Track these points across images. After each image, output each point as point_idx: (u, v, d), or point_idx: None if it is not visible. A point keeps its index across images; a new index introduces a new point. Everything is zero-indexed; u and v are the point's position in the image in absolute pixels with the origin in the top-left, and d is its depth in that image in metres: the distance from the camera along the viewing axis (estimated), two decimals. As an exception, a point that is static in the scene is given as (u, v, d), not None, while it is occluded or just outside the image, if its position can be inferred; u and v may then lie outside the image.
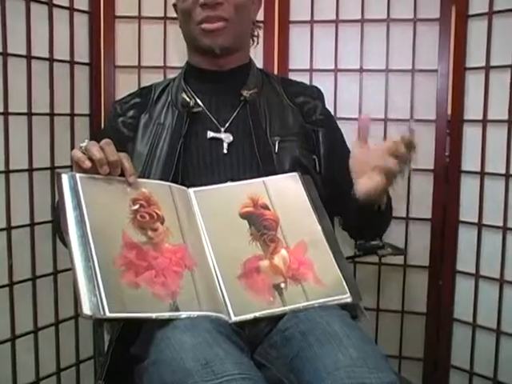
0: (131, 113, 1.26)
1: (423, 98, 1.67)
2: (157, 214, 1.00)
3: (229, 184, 1.13)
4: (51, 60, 1.61)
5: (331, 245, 1.04)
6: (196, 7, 1.16)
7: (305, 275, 0.99)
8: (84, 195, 0.95)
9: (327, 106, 1.32)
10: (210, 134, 1.21)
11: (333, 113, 1.39)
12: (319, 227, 1.06)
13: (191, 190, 1.08)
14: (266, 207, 1.07)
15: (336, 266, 1.01)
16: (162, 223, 0.99)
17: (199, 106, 1.23)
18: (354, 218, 1.14)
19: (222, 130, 1.21)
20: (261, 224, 1.04)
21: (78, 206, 0.93)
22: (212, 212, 1.06)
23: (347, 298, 0.98)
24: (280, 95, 1.27)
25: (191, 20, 1.17)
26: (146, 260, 0.93)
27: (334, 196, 1.17)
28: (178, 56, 1.70)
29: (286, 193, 1.10)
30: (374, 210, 1.10)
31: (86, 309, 0.82)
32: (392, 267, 1.74)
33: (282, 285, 0.97)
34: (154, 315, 0.87)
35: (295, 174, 1.12)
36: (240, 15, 1.19)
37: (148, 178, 1.14)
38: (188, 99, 1.21)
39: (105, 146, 0.99)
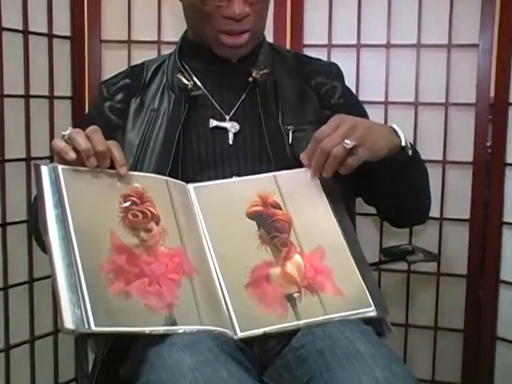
0: (120, 96, 1.27)
1: (461, 77, 1.67)
2: (151, 212, 1.01)
3: (234, 179, 1.14)
4: (25, 32, 1.61)
5: (353, 250, 1.05)
6: (218, 15, 1.15)
7: (322, 285, 0.99)
8: (67, 190, 0.96)
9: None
10: (213, 123, 1.21)
11: (354, 95, 1.39)
12: (339, 229, 1.07)
13: (191, 186, 1.09)
14: (277, 206, 1.08)
15: (358, 275, 1.02)
16: (157, 223, 1.00)
17: (199, 88, 1.23)
18: (387, 187, 1.16)
19: (227, 117, 1.22)
20: (271, 225, 1.05)
21: (59, 202, 0.94)
22: (215, 211, 1.06)
23: (371, 311, 0.99)
24: (294, 76, 1.27)
25: (210, 25, 1.16)
26: (138, 266, 0.94)
27: (361, 188, 1.18)
28: (175, 29, 1.71)
29: (301, 190, 1.10)
30: (399, 160, 1.11)
31: (68, 322, 0.83)
32: (423, 276, 1.74)
33: (296, 295, 0.98)
34: (146, 330, 0.88)
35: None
36: (263, 19, 1.21)
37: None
38: (185, 81, 1.22)
39: (91, 134, 1.00)
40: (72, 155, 0.98)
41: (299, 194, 1.10)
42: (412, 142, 1.15)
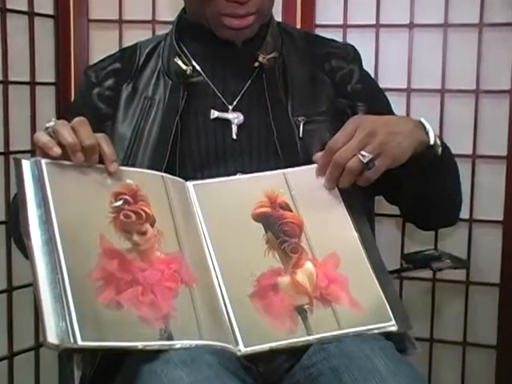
0: (110, 82, 1.28)
1: (494, 61, 1.67)
2: (146, 212, 1.01)
3: (238, 177, 1.15)
4: (3, 10, 1.62)
5: (371, 256, 1.06)
6: None
7: (337, 295, 1.00)
8: (51, 188, 0.96)
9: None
10: (215, 114, 1.22)
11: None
12: (355, 234, 1.08)
13: (190, 184, 1.10)
14: (286, 207, 1.08)
15: (377, 284, 1.03)
16: (153, 225, 1.01)
17: (199, 74, 1.24)
18: (412, 186, 1.17)
19: (230, 107, 1.22)
20: (280, 229, 1.06)
21: (43, 201, 0.95)
22: (217, 212, 1.07)
23: (392, 325, 0.99)
24: (305, 59, 1.28)
25: (211, 7, 1.16)
26: (130, 272, 0.94)
27: (381, 186, 1.18)
28: (172, 7, 1.71)
29: (313, 189, 1.11)
30: (426, 158, 1.11)
31: (52, 336, 0.83)
32: (451, 285, 1.75)
33: (307, 307, 0.99)
34: (139, 344, 0.88)
35: None
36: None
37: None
38: (183, 66, 1.22)
39: (78, 127, 1.00)
40: (57, 151, 0.99)
41: (311, 193, 1.10)
42: (438, 135, 1.15)
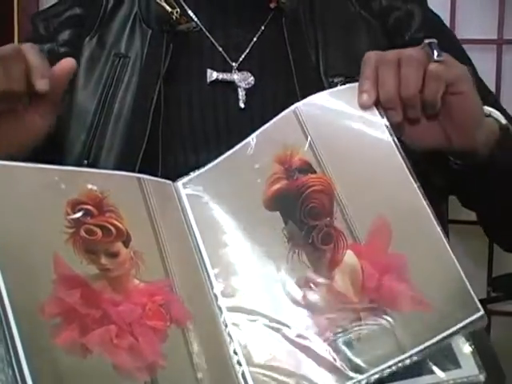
0: (66, 35, 1.32)
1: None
2: (116, 227, 1.03)
3: (234, 151, 1.10)
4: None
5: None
6: None
7: (393, 295, 0.95)
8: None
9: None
10: (213, 75, 1.25)
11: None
12: (415, 186, 1.00)
13: (179, 184, 1.11)
14: (307, 168, 1.05)
15: (453, 258, 0.96)
16: (127, 244, 1.02)
17: (190, 19, 1.27)
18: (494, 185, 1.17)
19: (235, 65, 1.27)
20: (305, 210, 1.01)
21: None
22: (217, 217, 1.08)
23: (480, 319, 0.92)
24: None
25: None
26: (99, 307, 0.95)
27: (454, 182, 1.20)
28: None
29: (346, 124, 1.06)
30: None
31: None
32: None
33: (352, 330, 0.95)
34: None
35: None
36: None
37: (98, 156, 1.19)
38: (168, 7, 1.24)
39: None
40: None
41: (342, 131, 1.06)
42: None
